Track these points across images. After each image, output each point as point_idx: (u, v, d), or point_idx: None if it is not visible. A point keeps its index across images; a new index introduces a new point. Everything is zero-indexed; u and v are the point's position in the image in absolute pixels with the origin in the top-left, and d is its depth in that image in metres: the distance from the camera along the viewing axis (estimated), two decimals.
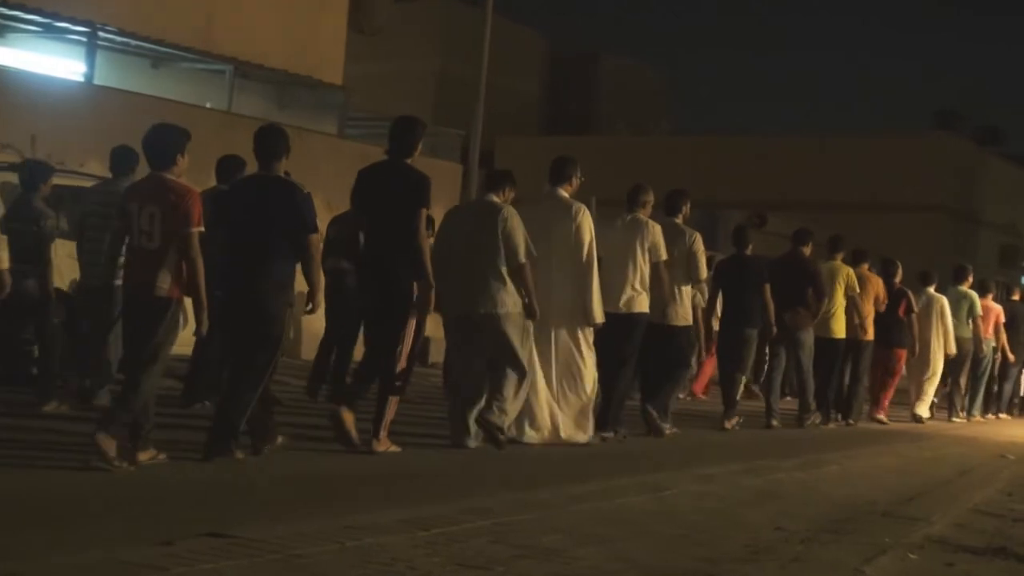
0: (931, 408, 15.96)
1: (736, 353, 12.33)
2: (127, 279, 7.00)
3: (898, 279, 14.85)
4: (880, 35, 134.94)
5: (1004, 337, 16.81)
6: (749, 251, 12.52)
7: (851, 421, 14.05)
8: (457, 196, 19.34)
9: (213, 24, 18.64)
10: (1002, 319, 16.76)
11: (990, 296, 16.84)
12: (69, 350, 9.36)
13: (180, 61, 18.41)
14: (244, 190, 7.70)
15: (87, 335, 9.37)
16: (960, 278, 16.40)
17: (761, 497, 7.05)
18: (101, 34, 16.44)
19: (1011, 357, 17.04)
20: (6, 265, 7.61)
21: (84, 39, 16.46)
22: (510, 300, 8.54)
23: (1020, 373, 18.02)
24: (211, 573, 4.09)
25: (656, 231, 10.10)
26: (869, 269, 14.33)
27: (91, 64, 16.27)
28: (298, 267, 7.35)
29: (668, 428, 10.65)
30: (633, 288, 9.90)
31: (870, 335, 13.96)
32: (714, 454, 9.83)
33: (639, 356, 10.19)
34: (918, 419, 15.53)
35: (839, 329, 13.49)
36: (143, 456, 6.61)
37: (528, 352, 8.81)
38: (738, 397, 12.42)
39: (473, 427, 8.53)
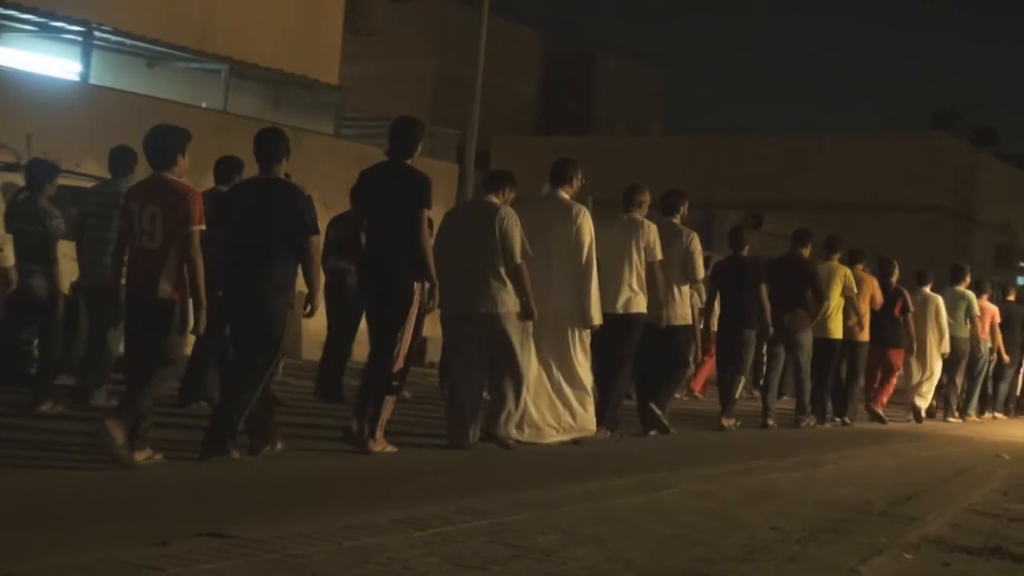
0: (931, 407, 15.97)
1: (735, 355, 12.33)
2: (129, 279, 7.03)
3: (895, 279, 14.86)
4: (880, 35, 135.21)
5: (1000, 338, 16.81)
6: (745, 252, 12.52)
7: (847, 421, 14.06)
8: (453, 196, 19.36)
9: (209, 24, 18.65)
10: (997, 319, 16.76)
11: (985, 296, 16.85)
12: (67, 350, 9.37)
13: (176, 61, 18.41)
14: (245, 192, 7.73)
15: (86, 335, 9.38)
16: (957, 278, 16.39)
17: (757, 497, 7.06)
18: (97, 33, 16.45)
19: (1006, 359, 17.05)
20: (11, 263, 7.63)
21: (80, 38, 16.46)
22: (510, 300, 8.55)
23: (1016, 373, 18.03)
24: (208, 573, 4.09)
25: (652, 230, 10.11)
26: (864, 269, 14.35)
27: (87, 63, 16.27)
28: (298, 268, 7.37)
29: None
30: (631, 288, 9.90)
31: (866, 335, 13.98)
32: (711, 454, 9.84)
33: (637, 356, 10.20)
34: (917, 412, 15.55)
35: (836, 330, 13.50)
36: (139, 456, 6.61)
37: (528, 352, 8.82)
38: (737, 396, 12.42)
39: (471, 429, 8.55)
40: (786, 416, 13.19)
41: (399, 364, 7.99)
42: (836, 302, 13.43)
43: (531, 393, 8.96)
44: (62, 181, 9.76)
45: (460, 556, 4.63)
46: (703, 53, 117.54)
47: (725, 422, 12.06)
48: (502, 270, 8.53)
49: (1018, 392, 18.58)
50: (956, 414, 16.50)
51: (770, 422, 12.72)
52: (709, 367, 16.13)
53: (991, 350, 16.80)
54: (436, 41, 36.67)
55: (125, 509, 5.56)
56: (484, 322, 8.54)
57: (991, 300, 17.16)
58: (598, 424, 9.58)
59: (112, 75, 16.90)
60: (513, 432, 8.77)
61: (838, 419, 13.95)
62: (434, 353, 14.67)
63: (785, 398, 14.17)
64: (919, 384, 15.59)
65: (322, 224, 7.90)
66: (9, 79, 14.73)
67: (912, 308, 14.88)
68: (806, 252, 13.20)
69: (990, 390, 17.55)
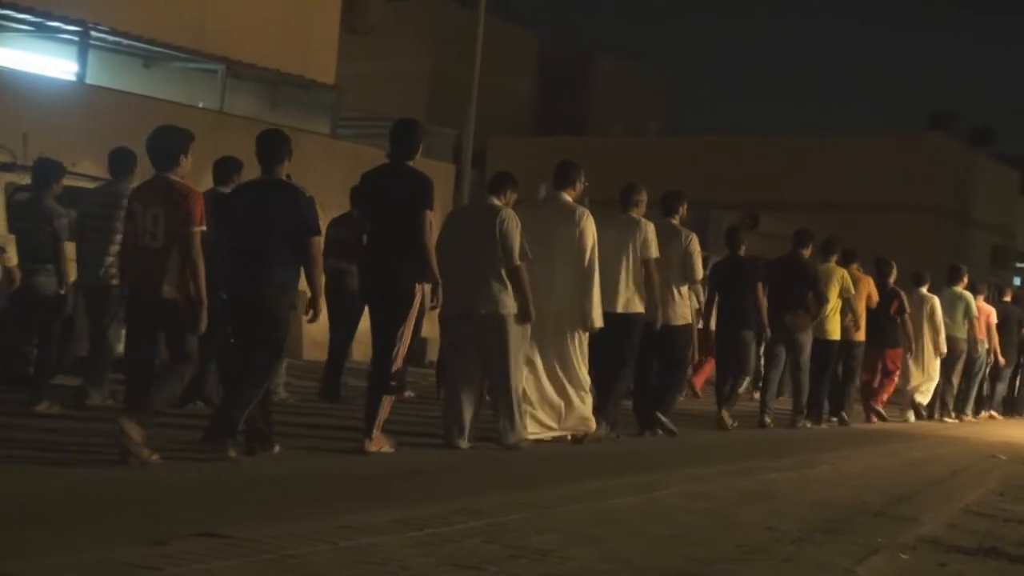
0: (930, 406, 16.00)
1: (734, 355, 12.33)
2: (130, 278, 7.05)
3: (892, 279, 14.87)
4: (880, 35, 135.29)
5: (996, 339, 16.81)
6: (742, 252, 12.52)
7: (844, 417, 14.08)
8: (450, 196, 19.35)
9: (205, 24, 18.64)
10: (993, 320, 16.76)
11: (981, 297, 16.86)
12: (64, 350, 9.37)
13: (172, 60, 18.41)
14: (246, 194, 7.72)
15: (84, 335, 9.38)
16: (955, 279, 16.39)
17: (754, 497, 7.07)
18: (93, 33, 16.45)
19: (1002, 360, 17.05)
20: (15, 262, 7.66)
21: (76, 38, 16.46)
22: (511, 301, 8.57)
23: (1013, 374, 18.04)
24: (205, 573, 4.10)
25: (649, 229, 10.10)
26: (858, 269, 14.36)
27: (83, 63, 16.28)
28: (300, 270, 7.38)
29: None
30: (629, 288, 9.91)
31: (862, 334, 14.00)
32: (708, 455, 9.85)
33: (637, 356, 10.20)
34: (917, 409, 15.56)
35: (834, 331, 13.51)
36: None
37: (526, 353, 8.84)
38: (740, 391, 12.39)
39: (468, 429, 8.57)
40: (783, 416, 13.20)
41: (397, 364, 8.00)
42: (834, 303, 13.44)
43: (532, 392, 8.99)
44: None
45: (457, 556, 4.64)
46: (703, 53, 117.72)
47: (724, 414, 12.00)
48: (503, 271, 8.55)
49: (1015, 393, 18.60)
50: (952, 414, 16.52)
51: (767, 420, 12.74)
52: (710, 367, 16.10)
53: (988, 351, 16.80)
54: (432, 40, 36.64)
55: (124, 509, 5.57)
56: (485, 323, 8.55)
57: (988, 301, 17.17)
58: (597, 420, 9.59)
59: (108, 75, 16.90)
60: (521, 433, 8.76)
61: (835, 418, 13.96)
62: (434, 353, 14.67)
63: (783, 398, 14.17)
64: (918, 385, 15.62)
65: (322, 224, 7.91)
66: (5, 79, 14.73)
67: (908, 309, 14.90)
68: (807, 253, 13.18)
69: (986, 391, 17.56)
